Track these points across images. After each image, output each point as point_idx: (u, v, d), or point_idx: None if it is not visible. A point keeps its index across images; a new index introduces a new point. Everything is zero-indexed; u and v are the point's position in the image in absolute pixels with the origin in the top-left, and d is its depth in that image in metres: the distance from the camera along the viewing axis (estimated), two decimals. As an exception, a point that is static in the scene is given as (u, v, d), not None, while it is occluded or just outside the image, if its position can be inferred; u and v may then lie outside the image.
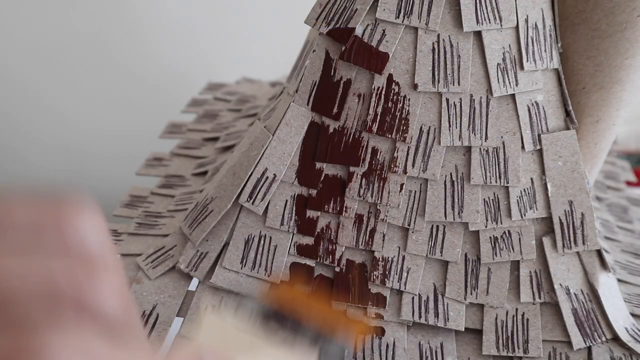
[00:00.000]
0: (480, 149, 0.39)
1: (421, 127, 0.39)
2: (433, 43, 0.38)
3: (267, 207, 0.41)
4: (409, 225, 0.40)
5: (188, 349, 0.20)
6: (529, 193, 0.40)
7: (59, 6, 0.87)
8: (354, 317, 0.38)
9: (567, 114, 0.41)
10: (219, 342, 0.25)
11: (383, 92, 0.39)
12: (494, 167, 0.40)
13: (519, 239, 0.40)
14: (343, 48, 0.39)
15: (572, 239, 0.40)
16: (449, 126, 0.39)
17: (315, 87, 0.40)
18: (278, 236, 0.41)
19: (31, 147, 0.97)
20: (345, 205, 0.41)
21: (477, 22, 0.38)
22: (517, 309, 0.40)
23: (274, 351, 0.27)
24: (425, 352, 0.39)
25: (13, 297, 0.15)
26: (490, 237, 0.40)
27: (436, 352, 0.40)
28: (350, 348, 0.37)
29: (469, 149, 0.39)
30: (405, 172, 0.40)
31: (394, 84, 0.39)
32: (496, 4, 0.38)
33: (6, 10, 0.88)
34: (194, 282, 0.42)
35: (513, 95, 0.39)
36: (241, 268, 0.41)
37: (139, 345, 0.17)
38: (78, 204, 0.17)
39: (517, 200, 0.40)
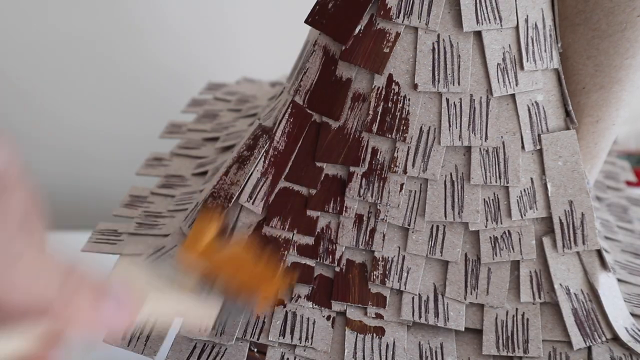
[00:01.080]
0: (480, 148, 0.39)
1: (421, 127, 0.39)
2: (433, 43, 0.38)
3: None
4: (409, 225, 0.40)
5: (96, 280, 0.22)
6: (529, 193, 0.40)
7: (58, 5, 0.87)
8: (268, 282, 0.37)
9: (567, 113, 0.41)
10: (131, 279, 0.27)
11: (383, 92, 0.39)
12: (494, 167, 0.40)
13: (519, 238, 0.40)
14: (343, 48, 0.39)
15: (572, 238, 0.40)
16: (449, 126, 0.39)
17: (316, 87, 0.40)
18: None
19: (31, 146, 0.97)
20: (345, 205, 0.41)
21: (477, 22, 0.38)
22: (517, 309, 0.40)
23: (180, 296, 0.29)
24: (425, 352, 0.39)
25: None
26: (490, 237, 0.40)
27: (436, 352, 0.40)
28: (253, 311, 0.37)
29: (469, 149, 0.39)
30: (405, 172, 0.40)
31: (394, 84, 0.39)
32: (496, 4, 0.38)
33: (5, 11, 0.88)
34: (194, 282, 0.42)
35: (513, 95, 0.39)
36: (241, 268, 0.41)
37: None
38: None
39: (517, 200, 0.40)
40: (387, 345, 0.39)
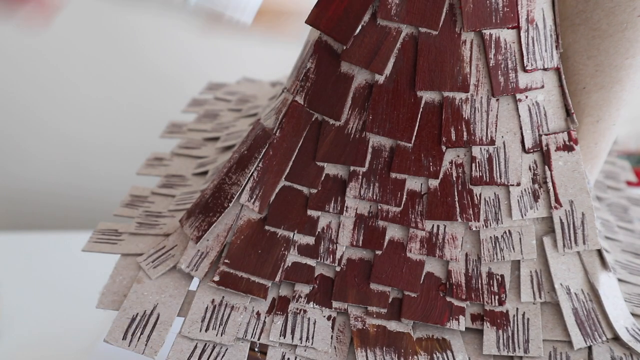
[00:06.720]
0: (480, 148, 0.39)
1: (422, 127, 0.39)
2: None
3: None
4: (409, 224, 0.40)
5: None
6: (529, 193, 0.40)
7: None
8: None
9: (568, 113, 0.41)
10: None
11: (384, 92, 0.39)
12: (494, 166, 0.40)
13: (520, 238, 0.40)
14: (344, 47, 0.39)
15: (572, 238, 0.40)
16: (450, 125, 0.39)
17: (316, 87, 0.40)
18: (279, 236, 0.41)
19: (32, 145, 0.97)
20: (345, 205, 0.41)
21: (478, 22, 0.38)
22: (517, 309, 0.40)
23: None
24: (436, 353, 0.39)
25: None
26: (490, 237, 0.40)
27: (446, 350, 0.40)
28: None
29: (469, 149, 0.39)
30: (406, 171, 0.40)
31: (394, 83, 0.39)
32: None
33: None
34: (195, 281, 0.42)
35: (514, 95, 0.39)
36: (242, 268, 0.41)
37: None
38: None
39: (518, 200, 0.40)
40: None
